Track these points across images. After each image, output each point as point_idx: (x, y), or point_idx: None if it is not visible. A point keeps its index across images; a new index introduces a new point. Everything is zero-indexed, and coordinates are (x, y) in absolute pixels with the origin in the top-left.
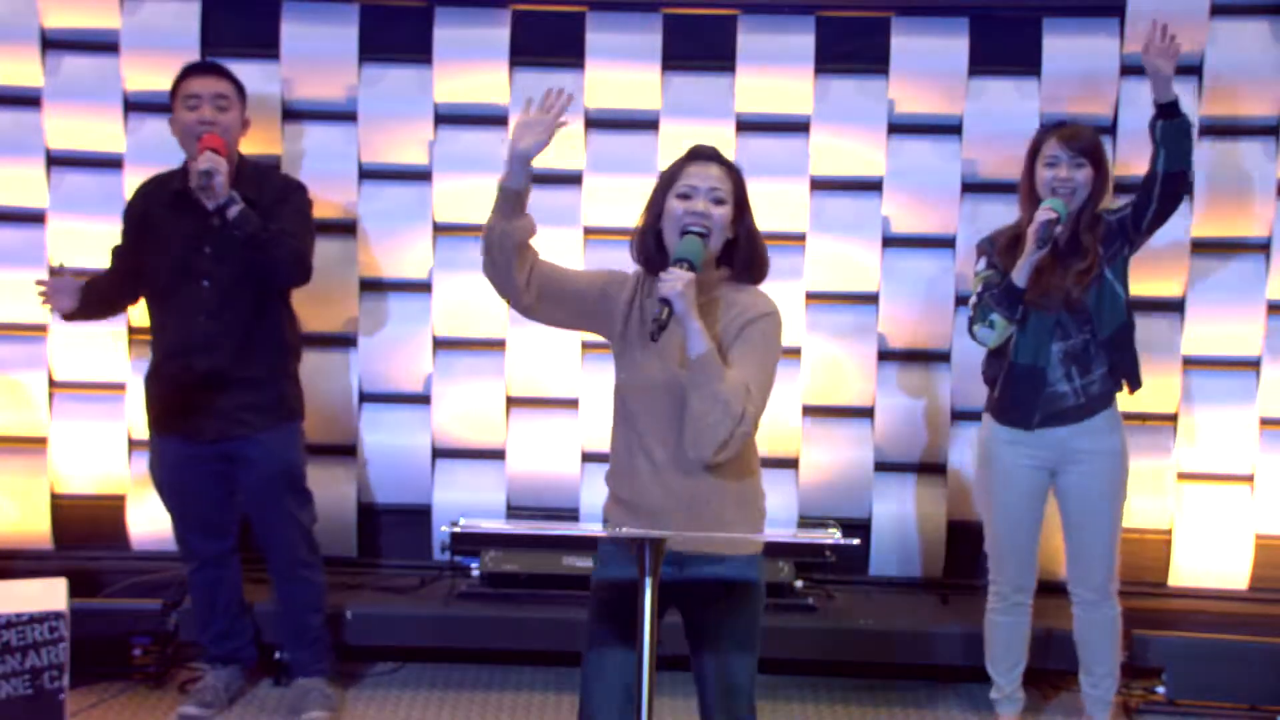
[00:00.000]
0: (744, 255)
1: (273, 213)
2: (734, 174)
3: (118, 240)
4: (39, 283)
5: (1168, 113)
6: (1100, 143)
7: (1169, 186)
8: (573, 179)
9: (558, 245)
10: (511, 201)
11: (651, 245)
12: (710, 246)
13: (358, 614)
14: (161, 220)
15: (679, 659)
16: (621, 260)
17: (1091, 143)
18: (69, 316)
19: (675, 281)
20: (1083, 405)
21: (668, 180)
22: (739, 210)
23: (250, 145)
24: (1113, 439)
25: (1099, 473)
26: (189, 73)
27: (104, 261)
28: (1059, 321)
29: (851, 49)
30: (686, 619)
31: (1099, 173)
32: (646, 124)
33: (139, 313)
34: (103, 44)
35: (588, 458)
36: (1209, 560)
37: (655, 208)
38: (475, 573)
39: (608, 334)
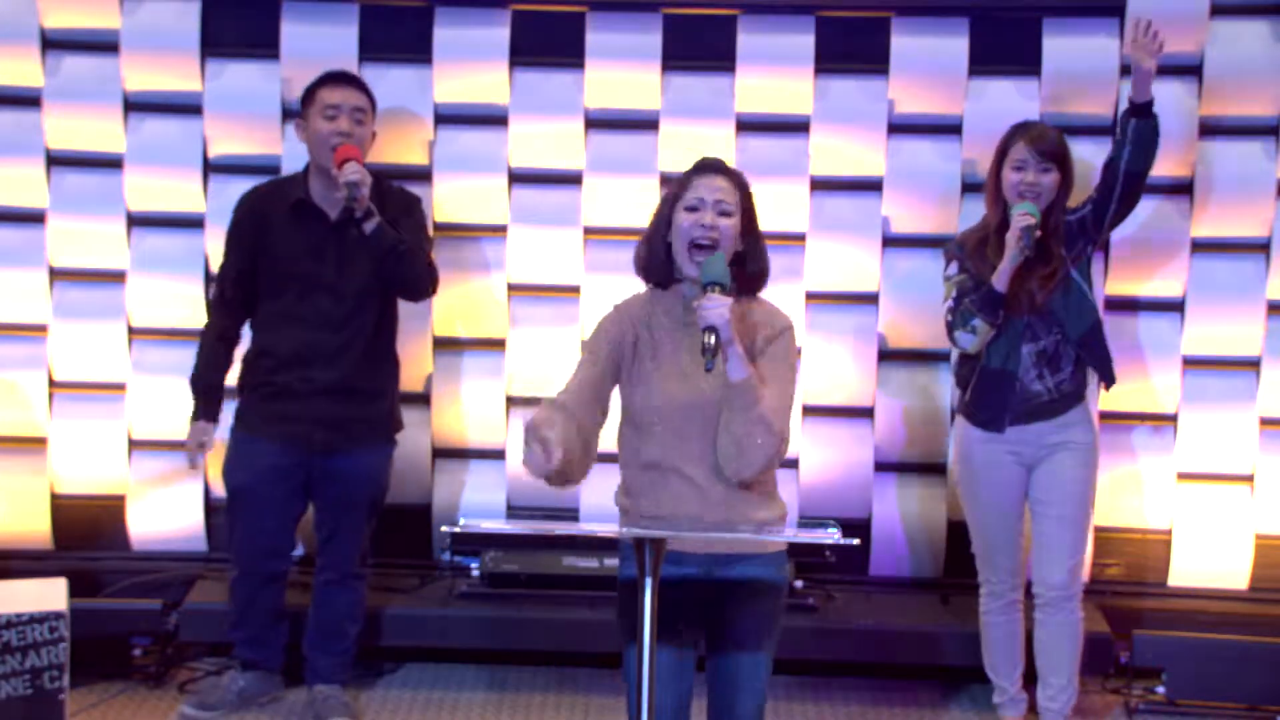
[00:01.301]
0: (750, 267)
1: (396, 225)
2: (740, 185)
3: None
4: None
5: (1142, 112)
6: (1067, 146)
7: (1130, 185)
8: (573, 179)
9: (558, 245)
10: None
11: (660, 258)
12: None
13: None
14: (282, 227)
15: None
16: (621, 260)
17: (1059, 146)
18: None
19: (720, 308)
20: (1056, 401)
21: (674, 194)
22: (746, 221)
23: (251, 145)
24: (1084, 433)
25: (1068, 464)
26: (328, 81)
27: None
28: (1028, 324)
29: (851, 49)
30: (708, 619)
31: (1065, 177)
32: (646, 124)
33: (140, 312)
34: (103, 44)
35: None
36: (1209, 560)
37: (662, 221)
38: (475, 573)
39: (622, 371)
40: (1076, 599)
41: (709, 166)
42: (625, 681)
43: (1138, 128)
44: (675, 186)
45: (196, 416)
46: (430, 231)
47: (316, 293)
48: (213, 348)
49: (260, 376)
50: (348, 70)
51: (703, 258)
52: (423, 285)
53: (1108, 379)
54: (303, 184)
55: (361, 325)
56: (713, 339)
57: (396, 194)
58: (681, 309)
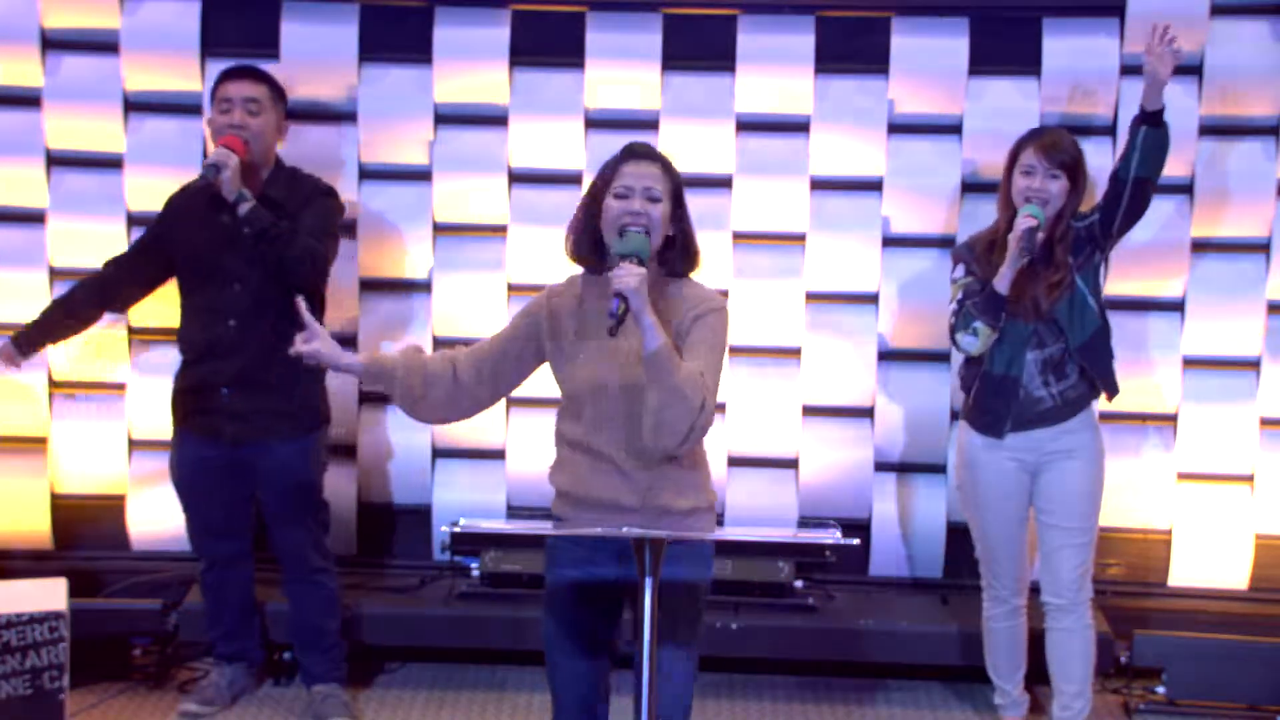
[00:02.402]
0: (679, 250)
1: (298, 215)
2: (670, 171)
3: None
4: None
5: (1154, 120)
6: (1080, 154)
7: (1138, 192)
8: (572, 179)
9: (557, 245)
10: (375, 380)
11: (587, 245)
12: (651, 243)
13: (358, 614)
14: (198, 221)
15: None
16: None
17: (1069, 154)
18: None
19: (629, 277)
20: (1060, 408)
21: (604, 180)
22: (675, 206)
23: None
24: (1088, 439)
25: (1074, 470)
26: (224, 77)
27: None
28: (1035, 331)
29: (851, 49)
30: (633, 615)
31: (1075, 185)
32: (646, 124)
33: (139, 313)
34: (103, 44)
35: None
36: (1209, 560)
37: (592, 207)
38: (475, 573)
39: (547, 353)
40: (1086, 605)
41: (638, 153)
42: (550, 685)
43: (1147, 135)
44: (603, 173)
45: (15, 337)
46: (334, 225)
47: (227, 285)
48: (66, 295)
49: (180, 369)
50: (248, 64)
51: None
52: (297, 270)
53: (1109, 389)
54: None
55: (265, 316)
56: (621, 306)
57: (309, 183)
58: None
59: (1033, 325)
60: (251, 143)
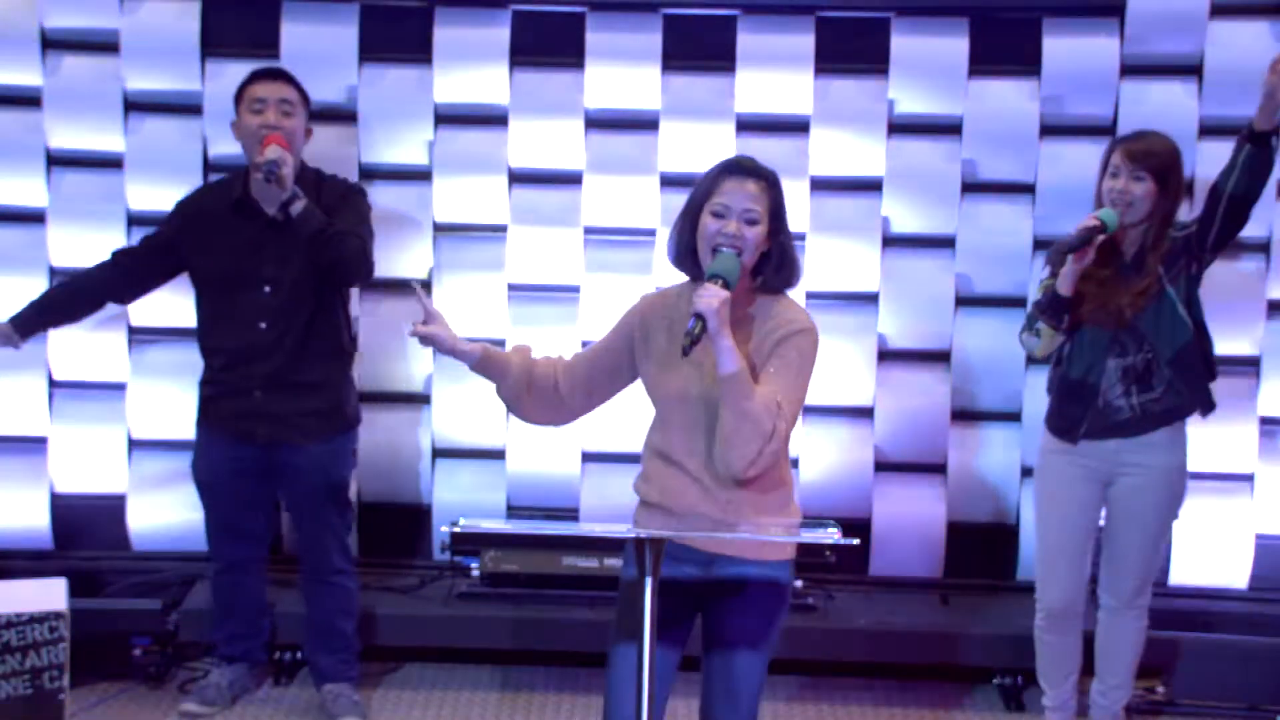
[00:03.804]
0: (775, 266)
1: (332, 214)
2: (771, 188)
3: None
4: None
5: (1261, 140)
6: (1172, 160)
7: (1234, 209)
8: (573, 179)
9: (558, 245)
10: (485, 373)
11: (685, 256)
12: (744, 262)
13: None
14: (221, 226)
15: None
16: (621, 260)
17: (1157, 158)
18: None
19: (711, 298)
20: (1140, 420)
21: (703, 192)
22: (774, 222)
23: None
24: (1170, 456)
25: (1149, 486)
26: (255, 78)
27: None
28: (1116, 338)
29: (851, 49)
30: (705, 618)
31: (1164, 189)
32: (646, 124)
33: (139, 313)
34: (103, 44)
35: (587, 457)
36: (1209, 560)
37: (690, 218)
38: (475, 573)
39: (639, 361)
40: (1144, 608)
41: (740, 169)
42: (608, 679)
43: (1251, 154)
44: (703, 184)
45: (14, 317)
46: (371, 222)
47: (256, 288)
48: (70, 280)
49: (211, 374)
50: (276, 66)
51: None
52: (352, 268)
53: (1202, 405)
54: (242, 183)
55: (298, 319)
56: (697, 326)
57: (338, 183)
58: None
59: (1113, 332)
60: (290, 144)
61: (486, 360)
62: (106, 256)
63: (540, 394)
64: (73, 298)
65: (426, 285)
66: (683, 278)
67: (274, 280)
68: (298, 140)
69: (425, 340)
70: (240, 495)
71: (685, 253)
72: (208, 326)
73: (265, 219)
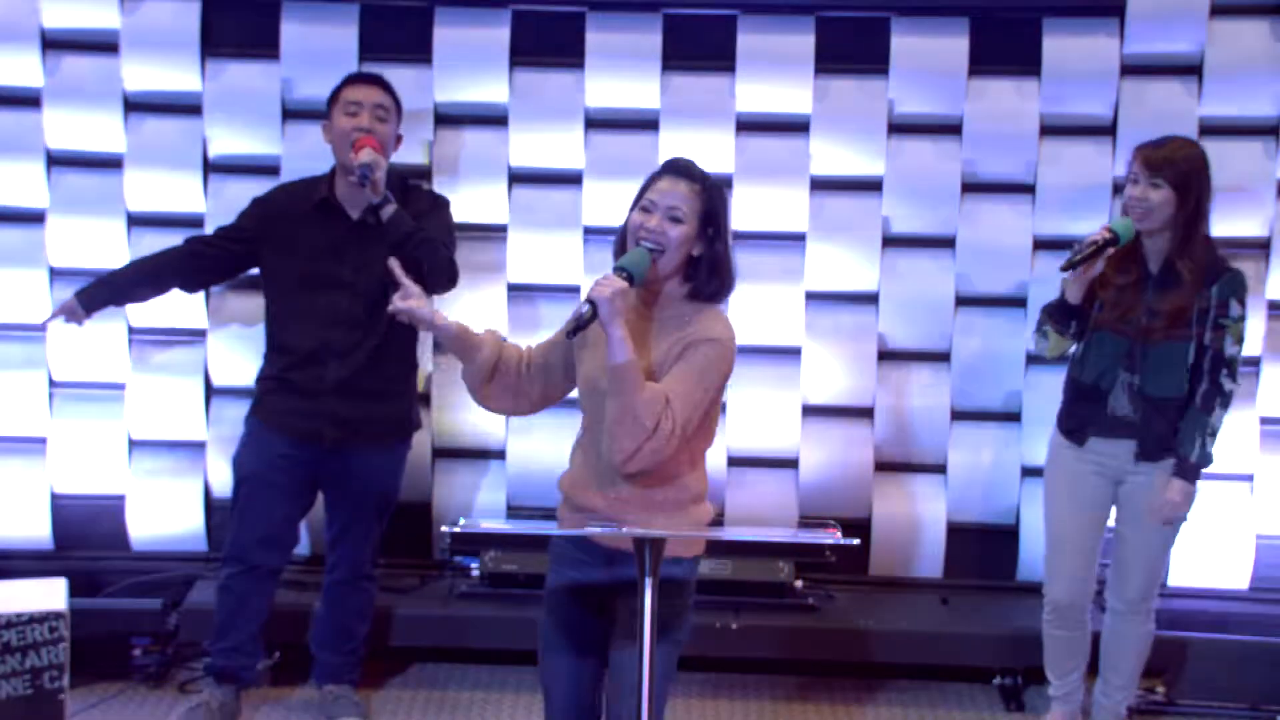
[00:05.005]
0: (705, 275)
1: (421, 220)
2: (705, 192)
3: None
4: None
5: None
6: (1190, 166)
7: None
8: (573, 179)
9: (558, 245)
10: (458, 349)
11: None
12: (663, 263)
13: None
14: (303, 226)
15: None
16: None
17: (1174, 165)
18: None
19: (605, 287)
20: (1144, 426)
21: (641, 190)
22: (706, 228)
23: (251, 145)
24: (1168, 462)
25: (1158, 486)
26: (352, 81)
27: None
28: (1130, 350)
29: (851, 49)
30: (615, 616)
31: (1184, 197)
32: (646, 124)
33: (140, 313)
34: (103, 44)
35: None
36: (1209, 560)
37: (628, 218)
38: (475, 573)
39: (577, 349)
40: (1150, 612)
41: (674, 169)
42: (543, 688)
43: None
44: (643, 184)
45: (81, 293)
46: (454, 232)
47: (335, 291)
48: (146, 260)
49: (277, 370)
50: (374, 73)
51: None
52: (440, 275)
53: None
54: (328, 184)
55: (376, 325)
56: (589, 313)
57: (425, 193)
58: (637, 302)
59: (1129, 343)
60: (382, 148)
61: (461, 336)
62: (179, 242)
63: (503, 378)
64: (141, 279)
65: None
66: None
67: (353, 284)
68: (389, 146)
69: (403, 315)
70: (283, 493)
71: (621, 251)
72: (281, 324)
73: (349, 222)
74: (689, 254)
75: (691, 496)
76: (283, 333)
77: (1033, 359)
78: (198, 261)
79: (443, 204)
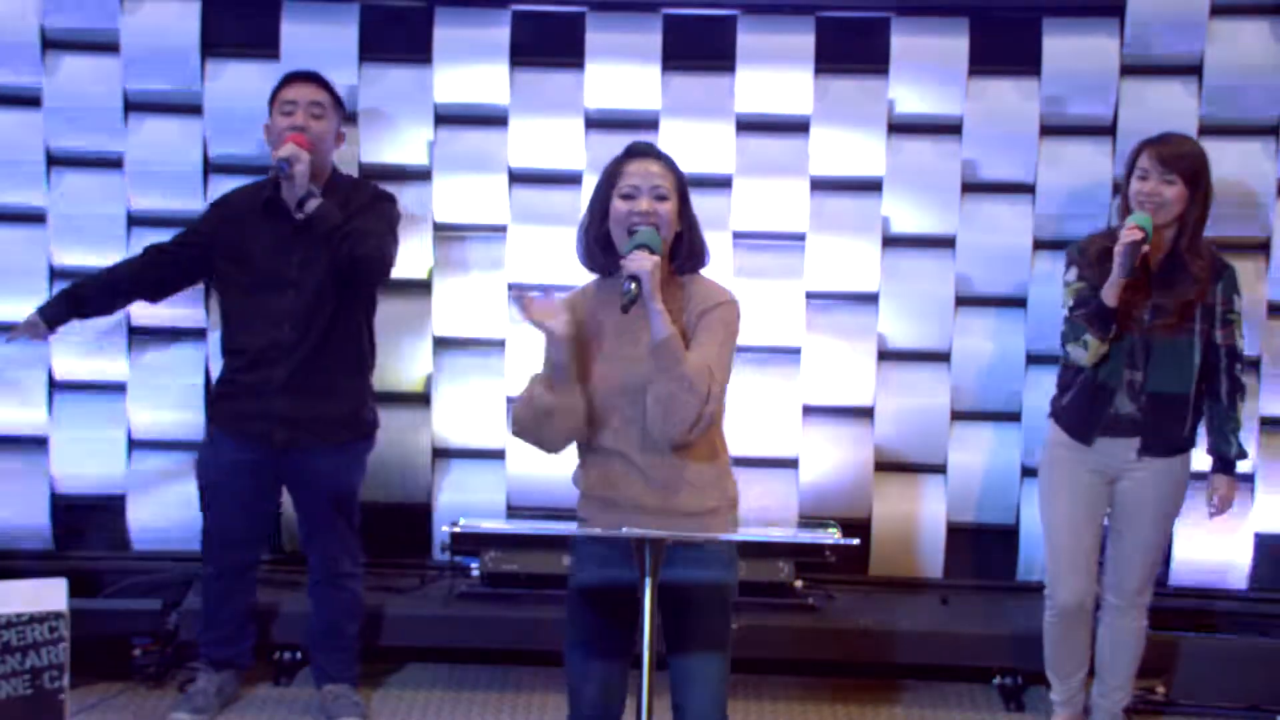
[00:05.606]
0: (686, 249)
1: (359, 218)
2: (674, 169)
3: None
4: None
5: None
6: (1200, 160)
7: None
8: (573, 179)
9: (558, 245)
10: (562, 369)
11: (598, 248)
12: (663, 237)
13: None
14: (251, 226)
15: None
16: None
17: (1186, 160)
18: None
19: (644, 260)
20: (1149, 424)
21: (608, 180)
22: (681, 204)
23: (250, 145)
24: (1171, 458)
25: (1153, 482)
26: (288, 80)
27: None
28: (1132, 348)
29: (851, 49)
30: (663, 620)
31: (1195, 191)
32: (646, 124)
33: (139, 313)
34: (103, 44)
35: None
36: (1209, 560)
37: (599, 209)
38: (475, 573)
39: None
40: (1144, 608)
41: (641, 152)
42: (570, 688)
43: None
44: (607, 174)
45: (43, 307)
46: (396, 230)
47: (280, 290)
48: (104, 272)
49: (228, 374)
50: (310, 70)
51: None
52: (366, 268)
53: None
54: (273, 184)
55: (318, 322)
56: (634, 285)
57: (369, 189)
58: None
59: (1130, 342)
60: (315, 145)
61: (571, 365)
62: (139, 251)
63: (573, 413)
64: (103, 291)
65: (426, 285)
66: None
67: (298, 283)
68: (326, 143)
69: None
70: (245, 498)
71: (595, 247)
72: (232, 327)
73: (294, 221)
74: (676, 230)
75: (725, 468)
76: (233, 334)
77: (1033, 359)
78: (157, 270)
79: (385, 198)
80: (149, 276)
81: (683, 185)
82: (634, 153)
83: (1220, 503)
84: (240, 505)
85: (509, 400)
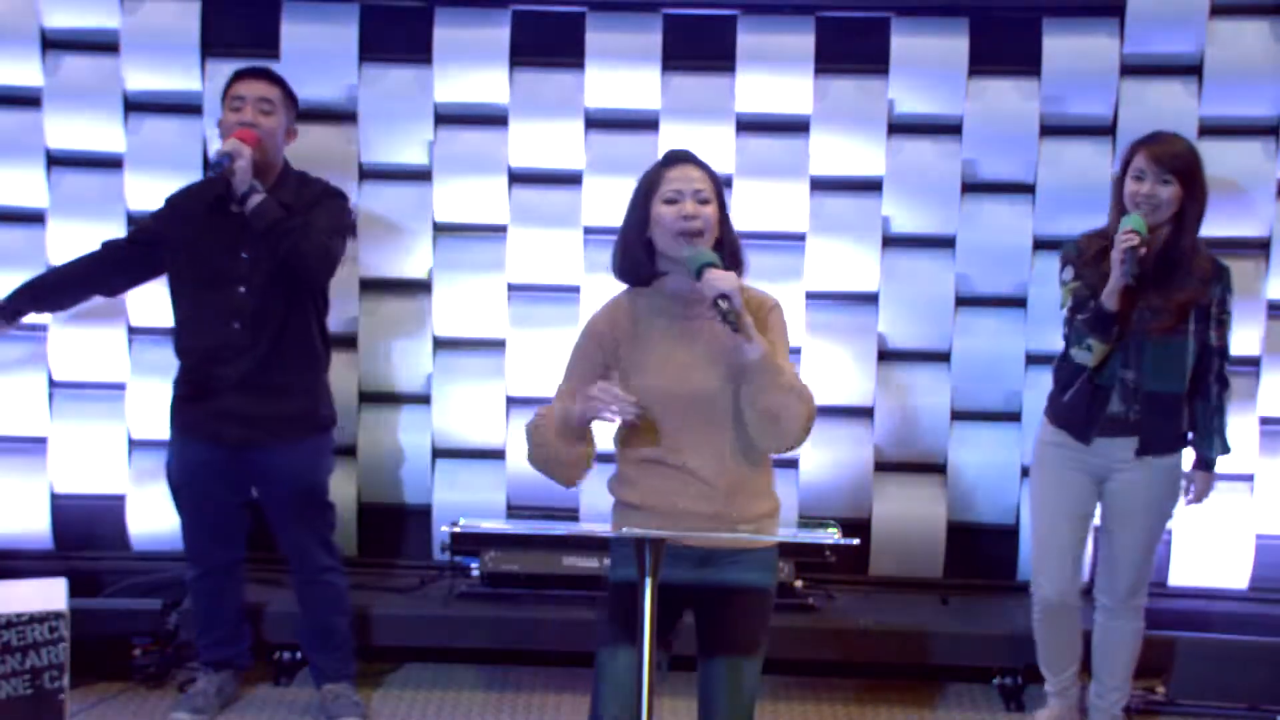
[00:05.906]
0: (726, 253)
1: (306, 214)
2: (711, 174)
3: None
4: None
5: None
6: (1195, 160)
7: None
8: (573, 179)
9: (558, 245)
10: (577, 432)
11: (642, 255)
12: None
13: (358, 614)
14: (201, 223)
15: (690, 659)
16: None
17: (1181, 159)
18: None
19: (727, 277)
20: (1140, 423)
21: (647, 187)
22: (720, 209)
23: None
24: (1165, 458)
25: (1145, 483)
26: (237, 77)
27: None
28: (1124, 348)
29: (851, 49)
30: (699, 621)
31: (1190, 192)
32: (646, 124)
33: (139, 313)
34: (103, 44)
35: None
36: (1209, 560)
37: (639, 216)
38: (475, 573)
39: (633, 373)
40: (1138, 610)
41: (680, 158)
42: (594, 684)
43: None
44: (646, 181)
45: (4, 300)
46: (343, 227)
47: (230, 287)
48: (63, 266)
49: (182, 374)
50: (262, 66)
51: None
52: (306, 264)
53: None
54: (224, 180)
55: (270, 319)
56: (724, 302)
57: (316, 186)
58: (671, 302)
59: (1124, 342)
60: (263, 140)
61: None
62: (96, 247)
63: (585, 460)
64: (60, 284)
65: (426, 285)
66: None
67: (248, 280)
68: (275, 139)
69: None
70: (214, 498)
71: (637, 256)
72: (183, 326)
73: (243, 219)
74: (715, 237)
75: (771, 474)
76: (185, 334)
77: (1033, 359)
78: (111, 266)
79: (334, 195)
80: (103, 272)
81: (720, 191)
82: (673, 159)
83: (1197, 496)
84: (213, 505)
85: (509, 400)
